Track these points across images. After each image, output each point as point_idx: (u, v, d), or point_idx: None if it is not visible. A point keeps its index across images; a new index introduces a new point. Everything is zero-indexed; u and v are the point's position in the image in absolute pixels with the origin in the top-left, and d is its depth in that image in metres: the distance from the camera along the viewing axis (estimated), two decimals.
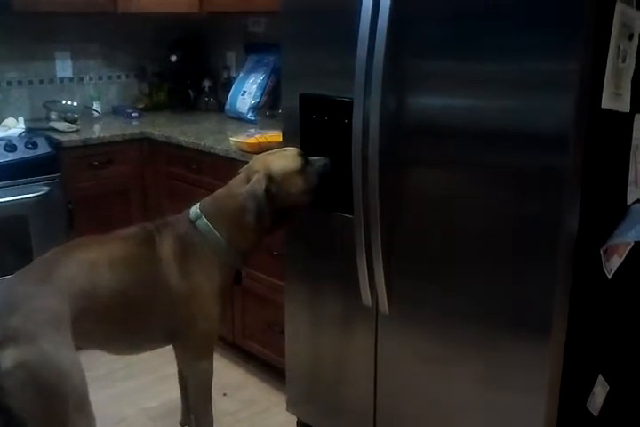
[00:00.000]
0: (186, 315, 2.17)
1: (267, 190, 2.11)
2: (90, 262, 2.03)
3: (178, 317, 2.17)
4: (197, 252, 2.17)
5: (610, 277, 1.83)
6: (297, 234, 2.45)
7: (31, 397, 1.77)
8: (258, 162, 2.22)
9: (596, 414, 1.95)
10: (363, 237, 2.11)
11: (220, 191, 2.25)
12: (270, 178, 2.13)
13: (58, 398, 1.81)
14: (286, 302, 2.56)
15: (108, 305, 2.03)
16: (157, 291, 2.12)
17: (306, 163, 2.19)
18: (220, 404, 2.43)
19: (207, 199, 2.26)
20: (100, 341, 2.15)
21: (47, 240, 3.22)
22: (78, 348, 1.93)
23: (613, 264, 1.82)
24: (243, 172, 2.23)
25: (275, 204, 2.14)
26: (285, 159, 2.19)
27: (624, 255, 1.84)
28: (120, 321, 2.09)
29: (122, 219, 3.44)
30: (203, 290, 2.17)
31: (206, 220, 2.18)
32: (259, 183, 2.12)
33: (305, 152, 2.22)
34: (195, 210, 2.22)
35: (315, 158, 2.22)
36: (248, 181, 2.16)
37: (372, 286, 2.15)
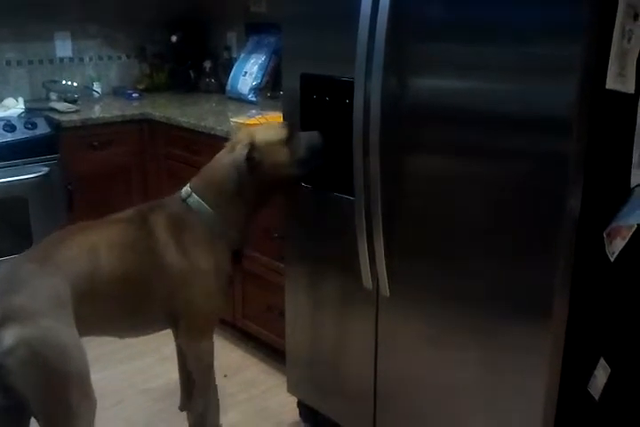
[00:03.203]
0: (186, 294, 2.16)
1: (249, 158, 2.12)
2: (89, 245, 2.04)
3: (178, 296, 2.16)
4: (192, 229, 2.16)
5: (612, 259, 1.82)
6: (297, 216, 2.44)
7: (33, 375, 1.78)
8: (242, 133, 2.24)
9: (597, 397, 1.95)
10: (364, 219, 2.09)
11: (207, 165, 2.26)
12: (253, 146, 2.13)
13: (59, 377, 1.81)
14: (286, 283, 2.55)
15: (108, 287, 2.03)
16: (156, 271, 2.11)
17: (292, 134, 2.19)
18: (220, 385, 2.44)
19: (196, 176, 2.26)
20: (101, 324, 2.14)
21: (47, 221, 3.22)
22: (79, 334, 1.93)
23: (616, 247, 1.80)
24: (228, 144, 2.24)
25: (259, 174, 2.15)
26: (269, 130, 2.21)
27: (627, 238, 1.82)
28: (120, 303, 2.09)
29: (122, 200, 3.44)
30: (201, 267, 2.16)
31: (197, 196, 2.18)
32: (240, 151, 2.13)
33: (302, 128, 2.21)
34: (185, 189, 2.23)
35: (304, 133, 2.22)
36: (232, 151, 2.18)
37: (373, 269, 2.14)
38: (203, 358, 2.32)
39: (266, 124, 2.27)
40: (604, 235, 1.79)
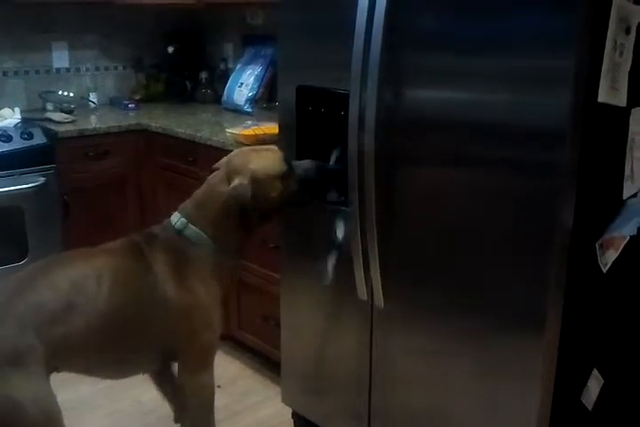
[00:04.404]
0: (186, 329, 2.06)
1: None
2: (70, 281, 1.93)
3: (177, 332, 2.06)
4: (193, 263, 2.06)
5: (605, 271, 1.83)
6: (293, 226, 2.44)
7: None
8: (239, 160, 2.11)
9: (590, 408, 1.96)
10: (358, 231, 2.10)
11: (200, 192, 2.14)
12: (253, 179, 2.04)
13: None
14: (282, 294, 2.55)
15: (94, 326, 1.91)
16: (152, 308, 2.01)
17: (289, 168, 2.10)
18: (215, 396, 2.43)
19: (187, 203, 2.14)
20: (87, 366, 2.04)
21: (43, 231, 3.23)
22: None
23: (609, 258, 1.82)
24: (222, 167, 2.12)
25: (255, 205, 2.05)
26: (269, 162, 2.09)
27: (620, 249, 1.84)
28: (109, 343, 1.98)
29: (117, 210, 3.45)
30: (204, 301, 2.07)
31: (194, 227, 2.08)
32: (243, 187, 2.02)
33: (299, 147, 2.21)
34: (178, 219, 2.10)
35: (298, 163, 2.15)
36: (228, 178, 2.07)
37: (368, 280, 2.14)
38: (203, 393, 2.21)
39: (263, 154, 2.12)
40: (597, 246, 1.80)
